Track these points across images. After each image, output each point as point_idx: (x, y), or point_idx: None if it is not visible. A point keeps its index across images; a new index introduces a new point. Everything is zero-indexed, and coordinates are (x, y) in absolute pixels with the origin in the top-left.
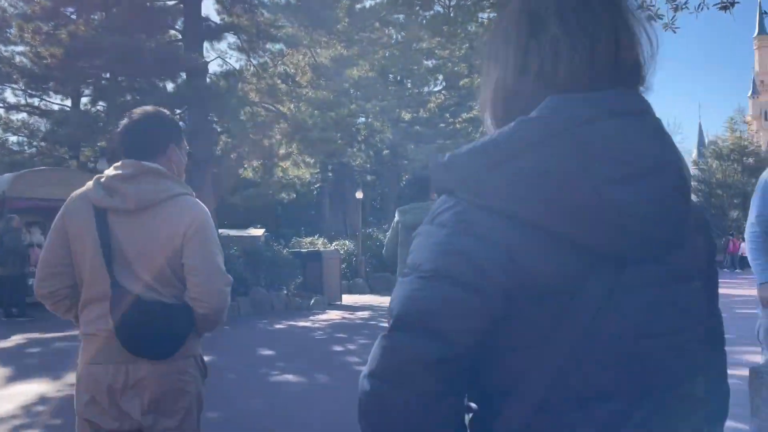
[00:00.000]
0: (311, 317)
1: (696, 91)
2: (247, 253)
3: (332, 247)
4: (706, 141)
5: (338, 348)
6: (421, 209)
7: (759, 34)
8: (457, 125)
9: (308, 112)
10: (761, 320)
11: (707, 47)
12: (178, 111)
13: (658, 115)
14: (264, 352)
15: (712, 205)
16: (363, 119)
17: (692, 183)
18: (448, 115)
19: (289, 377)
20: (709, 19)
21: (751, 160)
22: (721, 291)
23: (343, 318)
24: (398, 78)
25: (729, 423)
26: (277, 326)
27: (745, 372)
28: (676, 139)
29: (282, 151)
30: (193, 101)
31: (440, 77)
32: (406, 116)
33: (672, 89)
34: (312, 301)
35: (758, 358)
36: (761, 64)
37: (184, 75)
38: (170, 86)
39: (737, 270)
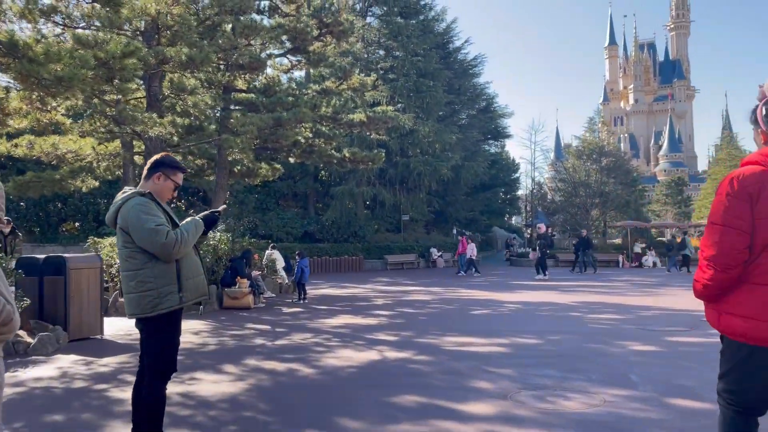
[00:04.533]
0: (9, 372)
1: (554, 96)
2: None
3: None
4: (562, 143)
5: None
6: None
7: (609, 44)
8: (304, 97)
9: (36, 36)
10: None
11: (564, 56)
12: None
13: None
14: None
15: (574, 204)
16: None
17: (554, 183)
18: (294, 85)
19: None
20: (565, 29)
21: (607, 160)
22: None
23: (63, 375)
24: (220, 27)
25: None
26: None
27: None
28: (540, 137)
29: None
30: None
31: (285, 38)
32: (240, 83)
33: (535, 94)
34: (35, 340)
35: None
36: (611, 72)
37: None
38: None
39: (461, 273)
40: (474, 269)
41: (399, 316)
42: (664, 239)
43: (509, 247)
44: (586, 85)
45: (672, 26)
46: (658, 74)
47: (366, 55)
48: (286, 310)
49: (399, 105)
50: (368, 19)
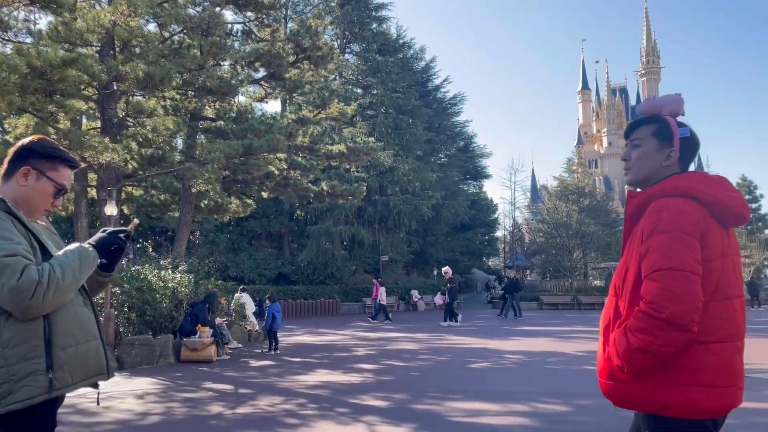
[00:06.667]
0: None
1: (530, 138)
2: None
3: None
4: (538, 185)
5: None
6: None
7: (582, 89)
8: (279, 124)
9: None
10: None
11: (539, 99)
12: None
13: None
14: None
15: (554, 246)
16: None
17: (531, 224)
18: (269, 115)
19: None
20: (540, 72)
21: (587, 201)
22: None
23: None
24: (190, 46)
25: None
26: None
27: None
28: (520, 177)
29: None
30: None
31: (258, 65)
32: (209, 111)
33: (511, 135)
34: None
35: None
36: (584, 116)
37: None
38: None
39: (373, 320)
40: (385, 316)
41: (386, 370)
42: None
43: (490, 290)
44: (561, 127)
45: (643, 72)
46: (630, 118)
47: (344, 92)
48: (253, 363)
49: (379, 143)
50: (346, 56)
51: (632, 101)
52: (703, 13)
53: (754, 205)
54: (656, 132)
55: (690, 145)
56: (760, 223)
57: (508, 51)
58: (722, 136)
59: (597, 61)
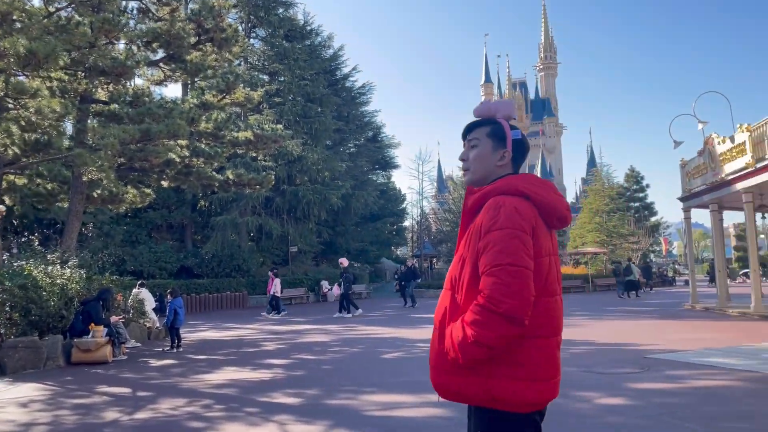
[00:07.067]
0: None
1: (436, 128)
2: None
3: None
4: (444, 175)
5: None
6: None
7: (485, 82)
8: (180, 108)
9: None
10: None
11: (445, 91)
12: None
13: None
14: None
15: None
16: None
17: (437, 214)
18: (167, 98)
19: None
20: (447, 65)
21: None
22: None
23: None
24: (80, 23)
25: None
26: None
27: None
28: (427, 168)
29: None
30: None
31: (156, 45)
32: (101, 94)
33: (418, 126)
34: None
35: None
36: None
37: None
38: None
39: (269, 314)
40: (276, 310)
41: (297, 365)
42: None
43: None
44: (466, 119)
45: (541, 67)
46: (530, 111)
47: (250, 78)
48: (154, 362)
49: (287, 131)
50: (251, 41)
51: (531, 95)
52: (597, 13)
53: (641, 195)
54: (491, 133)
55: (521, 147)
56: (646, 211)
57: (415, 43)
58: (612, 129)
59: (499, 56)
